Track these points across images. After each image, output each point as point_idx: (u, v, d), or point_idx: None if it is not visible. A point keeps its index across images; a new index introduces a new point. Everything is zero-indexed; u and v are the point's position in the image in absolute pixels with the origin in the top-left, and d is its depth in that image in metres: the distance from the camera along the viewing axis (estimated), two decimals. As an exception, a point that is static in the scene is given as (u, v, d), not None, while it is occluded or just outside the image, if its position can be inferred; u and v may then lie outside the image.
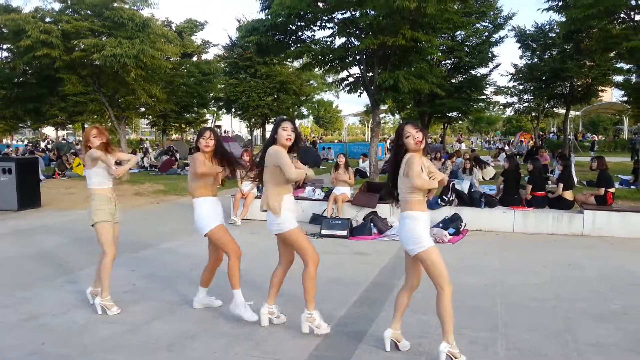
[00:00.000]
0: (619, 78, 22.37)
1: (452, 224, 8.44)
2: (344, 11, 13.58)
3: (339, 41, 14.70)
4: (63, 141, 46.30)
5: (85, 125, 31.44)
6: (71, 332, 4.37)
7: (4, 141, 43.34)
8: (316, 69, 17.07)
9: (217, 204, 4.66)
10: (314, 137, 53.15)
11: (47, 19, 14.91)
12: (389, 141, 52.13)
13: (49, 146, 37.36)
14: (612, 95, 44.28)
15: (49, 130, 53.70)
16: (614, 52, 17.81)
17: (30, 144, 36.20)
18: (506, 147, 37.23)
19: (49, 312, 4.83)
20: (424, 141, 3.69)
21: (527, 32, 22.38)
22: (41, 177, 14.70)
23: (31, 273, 6.29)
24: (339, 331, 4.36)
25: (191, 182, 4.61)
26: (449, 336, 3.62)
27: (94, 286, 5.05)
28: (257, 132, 38.93)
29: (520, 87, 25.05)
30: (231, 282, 4.50)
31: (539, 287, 5.68)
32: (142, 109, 23.95)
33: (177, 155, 23.66)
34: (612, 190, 9.02)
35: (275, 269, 4.48)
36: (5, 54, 19.04)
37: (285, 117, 4.59)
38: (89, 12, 14.85)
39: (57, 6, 15.28)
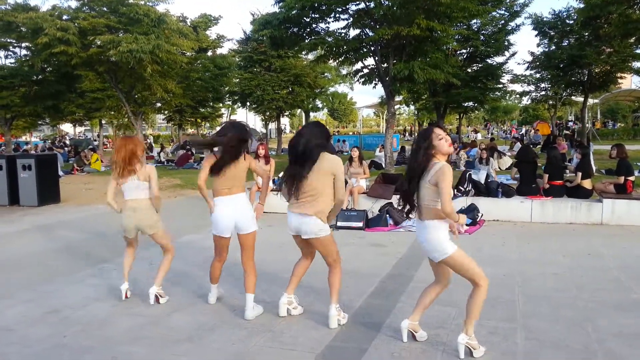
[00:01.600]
0: (638, 64, 21.92)
1: (469, 214, 8.38)
2: (358, 2, 13.50)
3: (353, 32, 14.62)
4: (81, 137, 46.91)
5: (103, 122, 31.78)
6: (92, 325, 4.44)
7: (23, 138, 44.01)
8: (330, 61, 17.02)
9: (231, 202, 4.50)
10: (334, 130, 53.11)
11: (64, 17, 15.08)
12: (407, 134, 51.99)
13: (67, 142, 37.85)
14: (631, 82, 43.51)
15: (67, 127, 54.43)
16: (634, 38, 17.47)
17: (50, 142, 36.67)
18: (524, 138, 36.88)
19: (70, 306, 4.91)
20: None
21: (544, 19, 22.04)
22: (60, 173, 14.90)
23: (53, 268, 6.40)
24: (356, 322, 4.37)
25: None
26: (469, 328, 3.61)
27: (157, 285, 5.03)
28: (272, 125, 39.01)
29: (537, 75, 24.70)
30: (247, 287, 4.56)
31: (559, 277, 5.63)
32: (158, 104, 24.11)
33: (193, 150, 23.79)
34: (631, 178, 8.87)
35: (299, 261, 4.51)
36: (24, 52, 19.29)
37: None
38: (104, 8, 14.97)
39: (73, 4, 15.49)
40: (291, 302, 4.54)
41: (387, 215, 8.66)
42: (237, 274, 5.24)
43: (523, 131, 41.57)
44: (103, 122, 34.01)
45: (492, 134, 49.61)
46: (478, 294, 3.57)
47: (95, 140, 36.42)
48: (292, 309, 4.54)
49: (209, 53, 28.76)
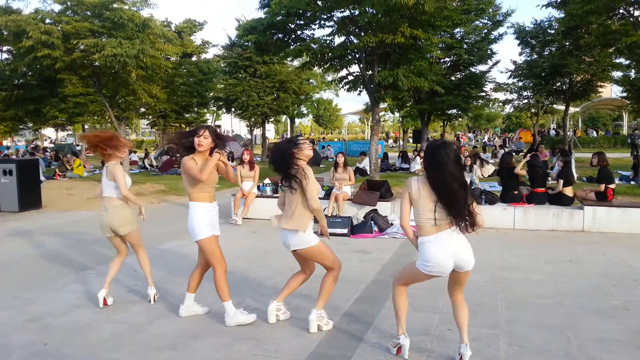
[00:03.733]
0: (618, 74, 22.33)
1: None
2: (343, 9, 13.57)
3: (338, 40, 14.69)
4: (63, 142, 46.37)
5: (86, 127, 31.46)
6: (74, 332, 4.38)
7: (4, 143, 43.36)
8: (315, 68, 17.05)
9: (213, 209, 4.52)
10: (319, 136, 53.06)
11: (47, 20, 14.92)
12: (390, 140, 52.26)
13: (48, 147, 37.37)
14: (611, 91, 44.23)
15: (49, 132, 53.75)
16: (613, 48, 17.79)
17: (32, 146, 36.17)
18: (506, 145, 37.22)
19: (52, 313, 4.84)
20: None
21: (526, 28, 22.39)
22: (42, 178, 14.70)
23: (34, 274, 6.31)
24: (340, 329, 4.37)
25: (188, 186, 4.42)
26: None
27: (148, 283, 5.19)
28: (257, 131, 38.95)
29: (520, 83, 25.05)
30: (220, 295, 4.43)
31: (541, 283, 5.69)
32: (142, 109, 23.94)
33: (178, 156, 23.65)
34: (612, 186, 9.02)
35: (295, 273, 4.50)
36: (5, 55, 19.06)
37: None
38: (88, 12, 14.85)
39: (56, 7, 15.30)
40: (280, 309, 4.55)
41: (372, 222, 8.68)
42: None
43: (500, 140, 41.83)
44: (86, 126, 33.65)
45: (472, 140, 50.09)
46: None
47: (77, 146, 35.99)
48: (281, 314, 4.57)
49: (194, 58, 28.65)
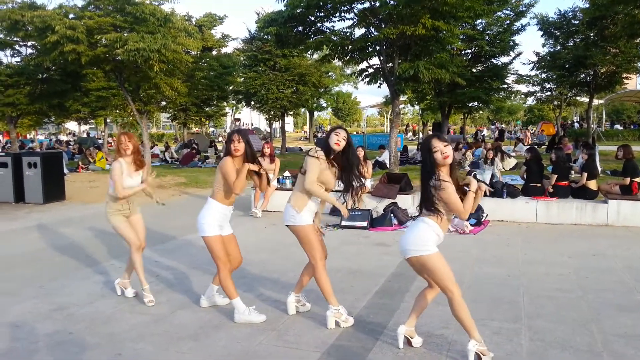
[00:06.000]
0: (644, 65, 21.81)
1: (474, 214, 8.38)
2: (363, 1, 13.48)
3: (358, 32, 14.60)
4: (85, 136, 47.07)
5: (108, 120, 31.88)
6: (97, 322, 4.46)
7: (28, 136, 44.16)
8: (335, 61, 16.98)
9: (228, 213, 4.51)
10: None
11: (71, 15, 15.09)
12: (410, 133, 51.97)
13: (71, 140, 37.95)
14: (636, 82, 43.34)
15: (72, 125, 54.59)
16: (640, 39, 17.39)
17: (57, 140, 36.72)
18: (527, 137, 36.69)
19: (76, 303, 4.93)
20: (451, 156, 3.53)
21: (550, 19, 21.95)
22: (65, 171, 14.95)
23: (58, 265, 6.43)
24: (360, 322, 4.38)
25: (216, 183, 4.40)
26: (474, 334, 3.53)
27: (123, 278, 5.23)
28: (276, 124, 39.05)
29: (543, 75, 24.62)
30: (227, 293, 4.44)
31: (563, 277, 5.62)
32: (164, 103, 24.14)
33: (198, 148, 23.83)
34: (637, 179, 8.84)
35: (306, 265, 4.50)
36: (29, 50, 19.32)
37: (341, 125, 4.98)
38: (110, 7, 14.98)
39: (79, 2, 15.48)
40: (299, 300, 4.61)
41: (392, 215, 8.66)
42: (238, 274, 5.25)
43: (519, 133, 41.21)
44: (108, 120, 34.09)
45: (492, 132, 49.48)
46: (453, 305, 3.52)
47: (99, 139, 36.48)
48: (301, 306, 4.62)
49: (214, 52, 28.78)
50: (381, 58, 14.24)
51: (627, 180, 8.74)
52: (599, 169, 11.25)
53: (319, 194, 4.18)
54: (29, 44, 18.84)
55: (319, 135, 44.83)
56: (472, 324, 3.53)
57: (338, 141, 4.15)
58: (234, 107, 46.58)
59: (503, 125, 55.65)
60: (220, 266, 4.39)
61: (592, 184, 8.90)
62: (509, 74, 22.89)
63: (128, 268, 5.19)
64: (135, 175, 4.98)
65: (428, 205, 3.49)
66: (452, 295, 3.48)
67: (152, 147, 22.66)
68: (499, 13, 19.97)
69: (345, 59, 15.27)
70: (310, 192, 4.15)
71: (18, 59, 19.88)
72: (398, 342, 3.83)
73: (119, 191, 4.82)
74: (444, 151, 3.47)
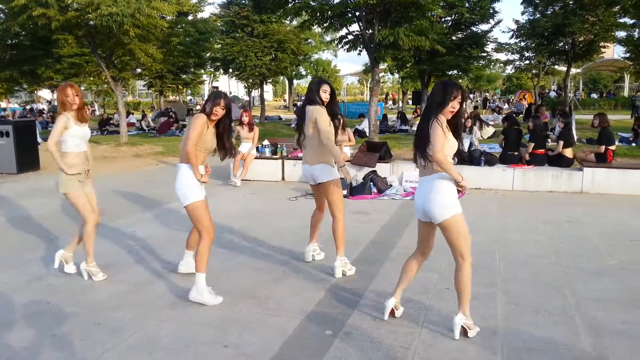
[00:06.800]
0: (622, 34, 21.95)
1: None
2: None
3: (338, -3, 14.37)
4: (56, 104, 45.95)
5: (82, 88, 31.07)
6: (76, 291, 4.42)
7: (0, 105, 42.97)
8: (315, 27, 16.73)
9: (203, 172, 4.27)
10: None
11: (39, -23, 14.52)
12: (390, 102, 51.87)
13: (45, 109, 37.04)
14: (613, 51, 43.67)
15: (44, 93, 53.20)
16: (618, 7, 17.44)
17: (30, 110, 35.74)
18: (505, 106, 36.96)
19: (54, 273, 4.87)
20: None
21: (530, -14, 21.89)
22: (39, 140, 14.61)
23: (34, 235, 6.34)
24: (340, 288, 4.42)
25: (183, 145, 4.15)
26: (465, 308, 3.50)
27: (66, 250, 4.89)
28: (255, 92, 38.60)
29: (522, 43, 24.64)
30: (199, 264, 4.12)
31: (538, 244, 5.74)
32: (139, 70, 23.59)
33: (175, 117, 23.47)
34: (612, 147, 9.01)
35: (313, 212, 5.06)
36: (-4, 14, 18.63)
37: (323, 78, 5.49)
38: (81, -31, 14.45)
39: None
40: (315, 249, 5.12)
41: (371, 184, 8.69)
42: (217, 242, 5.23)
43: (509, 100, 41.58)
44: (82, 88, 33.26)
45: (472, 102, 49.70)
46: (462, 272, 3.45)
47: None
48: (317, 255, 5.14)
49: (190, 17, 28.07)
50: (361, 24, 14.08)
51: (602, 148, 8.88)
52: (575, 138, 11.40)
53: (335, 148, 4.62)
54: (-5, 8, 18.11)
55: (299, 103, 44.53)
56: (468, 298, 3.48)
57: (326, 98, 4.62)
58: (212, 75, 45.83)
59: (487, 94, 56.20)
60: (204, 235, 4.14)
61: (568, 152, 9.02)
62: (489, 42, 22.85)
63: (75, 241, 4.83)
64: (84, 126, 4.62)
65: (422, 151, 3.39)
66: (464, 263, 3.42)
67: (128, 116, 22.23)
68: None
69: (325, 25, 15.06)
70: (328, 144, 4.54)
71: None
72: (384, 315, 3.77)
73: (49, 141, 4.46)
74: (455, 106, 3.38)
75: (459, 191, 3.52)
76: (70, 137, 4.53)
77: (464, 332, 3.51)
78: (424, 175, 3.50)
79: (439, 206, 3.38)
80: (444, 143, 3.29)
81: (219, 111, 4.10)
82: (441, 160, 3.27)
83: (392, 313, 3.82)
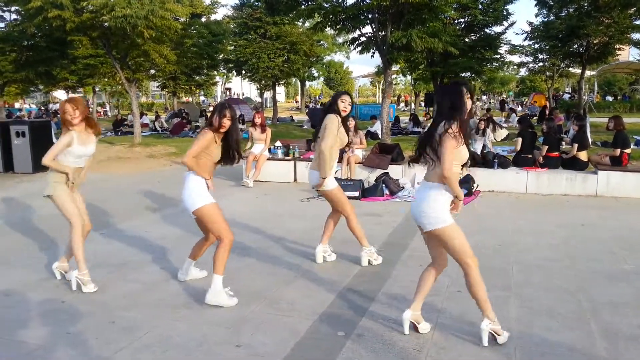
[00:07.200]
0: (637, 36, 21.74)
1: (465, 184, 8.41)
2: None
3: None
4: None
5: (96, 89, 31.36)
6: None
7: (16, 105, 43.50)
8: (327, 29, 16.75)
9: (210, 185, 4.26)
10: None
11: (55, -20, 14.69)
12: (402, 104, 51.75)
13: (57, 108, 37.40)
14: (629, 54, 43.23)
15: (59, 94, 53.77)
16: (634, 9, 17.27)
17: (45, 110, 36.11)
18: (519, 109, 36.71)
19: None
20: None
21: (544, -12, 21.72)
22: (54, 140, 14.78)
23: (48, 234, 6.41)
24: (351, 290, 4.42)
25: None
26: (488, 312, 3.39)
27: (61, 261, 4.82)
28: (268, 94, 38.68)
29: (536, 46, 24.47)
30: (216, 266, 4.06)
31: (553, 247, 5.69)
32: (153, 71, 23.79)
33: (188, 118, 23.61)
34: (627, 150, 8.90)
35: (328, 215, 5.19)
36: (13, 16, 18.86)
37: (346, 91, 5.75)
38: (95, -29, 14.60)
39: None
40: (326, 250, 5.17)
41: (383, 185, 8.67)
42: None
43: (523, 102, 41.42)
44: (97, 89, 33.59)
45: (485, 104, 49.47)
46: (470, 278, 3.37)
47: (89, 108, 35.96)
48: (327, 256, 5.19)
49: (203, 19, 28.25)
50: (374, 26, 14.06)
51: (617, 152, 8.78)
52: (590, 140, 11.30)
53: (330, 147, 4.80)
54: (12, 9, 18.35)
55: (311, 105, 44.54)
56: (486, 301, 3.38)
57: (345, 108, 4.79)
58: (225, 77, 46.03)
59: (504, 96, 56.15)
60: (223, 237, 4.07)
61: (583, 155, 8.94)
62: (502, 44, 22.72)
63: (68, 251, 4.73)
64: (90, 143, 4.51)
65: (421, 150, 3.37)
66: (469, 268, 3.33)
67: (141, 117, 22.39)
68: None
69: (338, 27, 15.06)
70: (320, 151, 4.72)
71: (2, 24, 19.39)
72: (404, 328, 3.57)
73: (46, 156, 4.35)
74: (468, 105, 3.31)
75: (471, 194, 3.48)
76: (69, 154, 4.42)
77: (493, 338, 3.42)
78: (426, 179, 3.45)
79: (427, 216, 3.33)
80: (453, 159, 3.21)
81: (226, 122, 4.10)
82: (449, 178, 3.22)
83: (415, 328, 3.60)
